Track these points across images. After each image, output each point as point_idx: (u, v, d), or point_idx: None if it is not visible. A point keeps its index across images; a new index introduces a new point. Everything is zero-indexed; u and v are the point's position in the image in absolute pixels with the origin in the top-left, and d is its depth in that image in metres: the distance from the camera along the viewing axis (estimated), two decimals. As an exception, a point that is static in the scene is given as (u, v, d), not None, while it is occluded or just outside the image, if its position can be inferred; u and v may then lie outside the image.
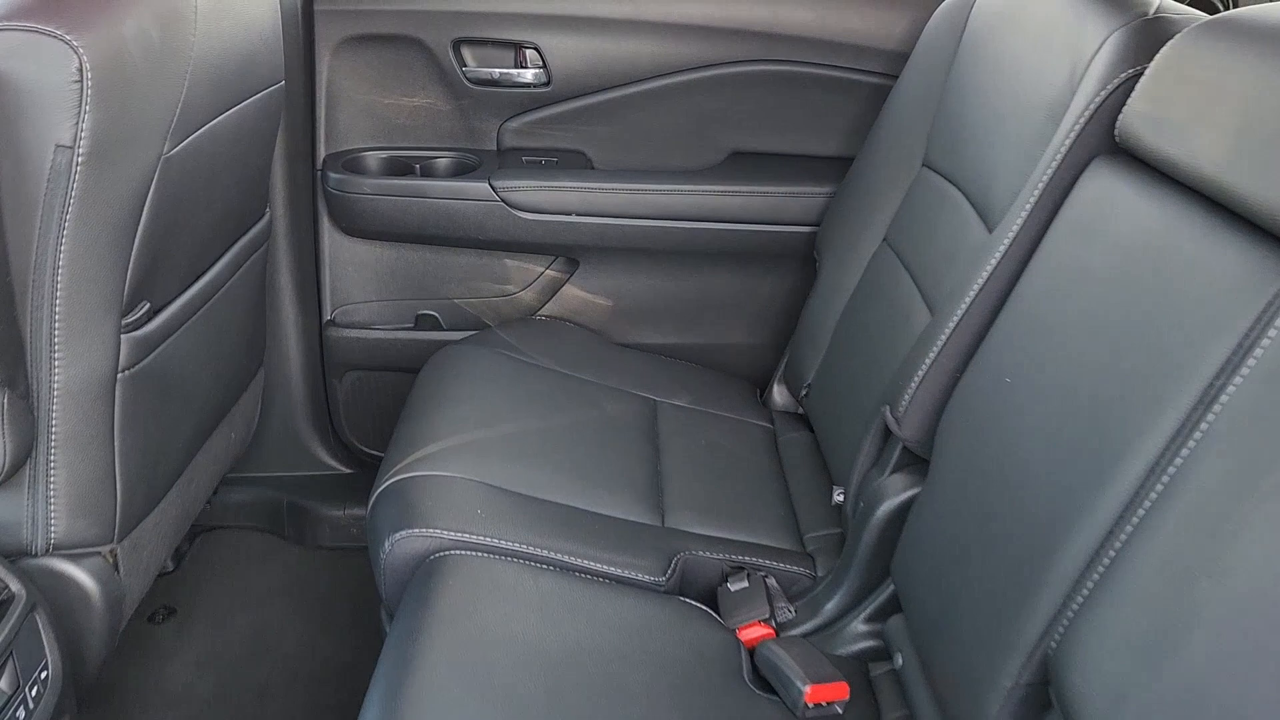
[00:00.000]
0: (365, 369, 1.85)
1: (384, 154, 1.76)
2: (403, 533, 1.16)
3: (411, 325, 1.85)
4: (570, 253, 1.77)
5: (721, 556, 1.23)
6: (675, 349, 1.80)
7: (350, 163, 1.74)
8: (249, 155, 1.37)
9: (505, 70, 1.70)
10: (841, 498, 1.30)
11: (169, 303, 1.23)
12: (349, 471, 1.87)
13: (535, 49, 1.69)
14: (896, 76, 1.61)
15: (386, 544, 1.17)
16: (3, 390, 1.04)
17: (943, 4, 1.51)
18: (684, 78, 1.70)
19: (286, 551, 1.82)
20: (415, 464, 1.28)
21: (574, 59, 1.69)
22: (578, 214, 1.70)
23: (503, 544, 1.17)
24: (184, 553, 1.77)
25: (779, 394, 1.68)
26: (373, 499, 1.27)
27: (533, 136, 1.77)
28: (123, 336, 1.13)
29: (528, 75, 1.70)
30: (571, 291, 1.80)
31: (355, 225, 1.74)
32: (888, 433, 1.20)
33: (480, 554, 1.15)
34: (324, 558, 1.81)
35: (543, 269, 1.82)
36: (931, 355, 1.11)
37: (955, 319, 1.10)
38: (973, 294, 1.08)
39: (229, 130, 1.26)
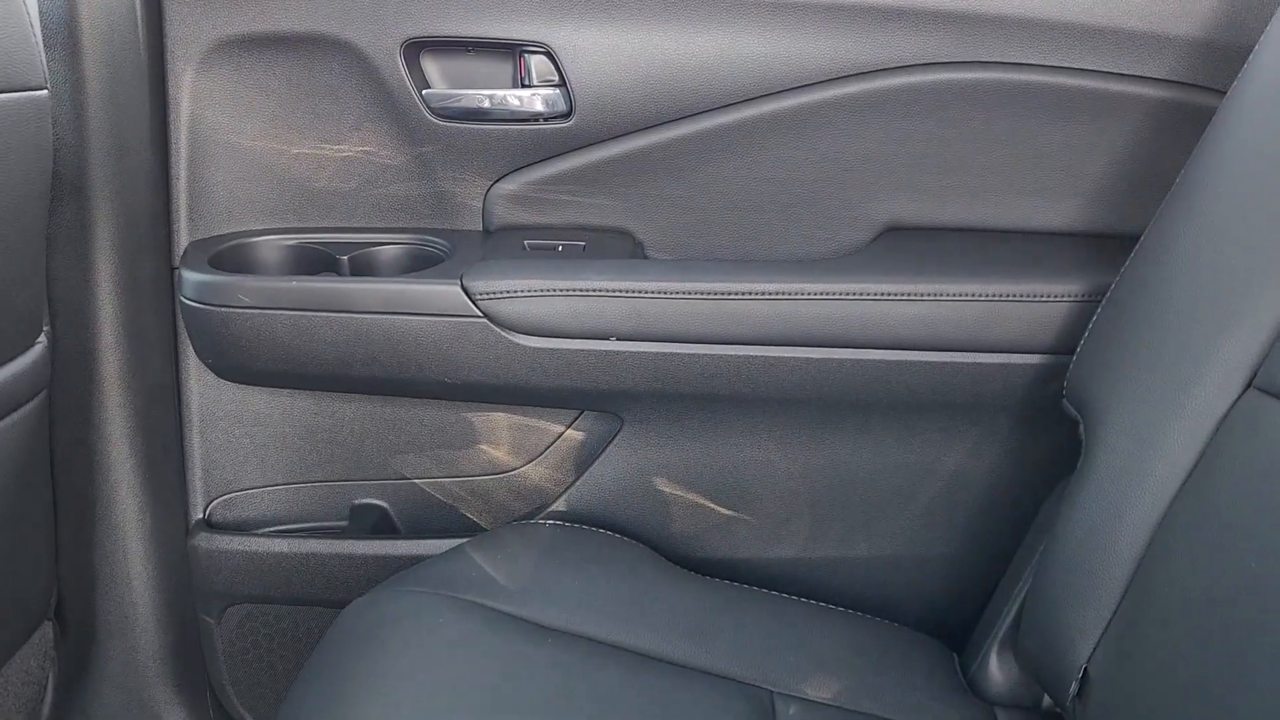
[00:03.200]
0: (260, 601, 1.09)
1: (288, 240, 1.04)
2: None
3: (343, 524, 1.10)
4: (608, 404, 1.02)
5: None
6: (798, 575, 1.02)
7: (227, 256, 1.01)
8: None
9: (498, 92, 0.99)
10: None
11: None
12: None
13: (548, 54, 0.97)
14: (1211, 86, 0.88)
15: None
16: None
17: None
18: (805, 99, 0.96)
19: None
20: None
21: (613, 71, 0.96)
22: (619, 337, 0.95)
23: None
24: None
25: (1000, 669, 0.89)
26: None
27: (541, 206, 1.04)
28: None
29: (535, 100, 0.98)
30: (610, 469, 1.04)
31: (233, 363, 1.01)
32: None
33: None
34: None
35: (562, 427, 1.07)
36: None
37: None
38: None
39: None
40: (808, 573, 1.03)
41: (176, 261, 1.02)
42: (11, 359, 0.81)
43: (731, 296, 0.94)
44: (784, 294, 0.94)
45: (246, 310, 0.96)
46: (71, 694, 1.04)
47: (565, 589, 0.88)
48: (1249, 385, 0.71)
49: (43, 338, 0.85)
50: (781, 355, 0.96)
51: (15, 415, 0.83)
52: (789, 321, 0.95)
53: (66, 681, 1.01)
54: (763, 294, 0.94)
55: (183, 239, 1.03)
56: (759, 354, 0.96)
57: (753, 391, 0.97)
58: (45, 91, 0.76)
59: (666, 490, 1.03)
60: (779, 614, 0.93)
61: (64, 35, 0.88)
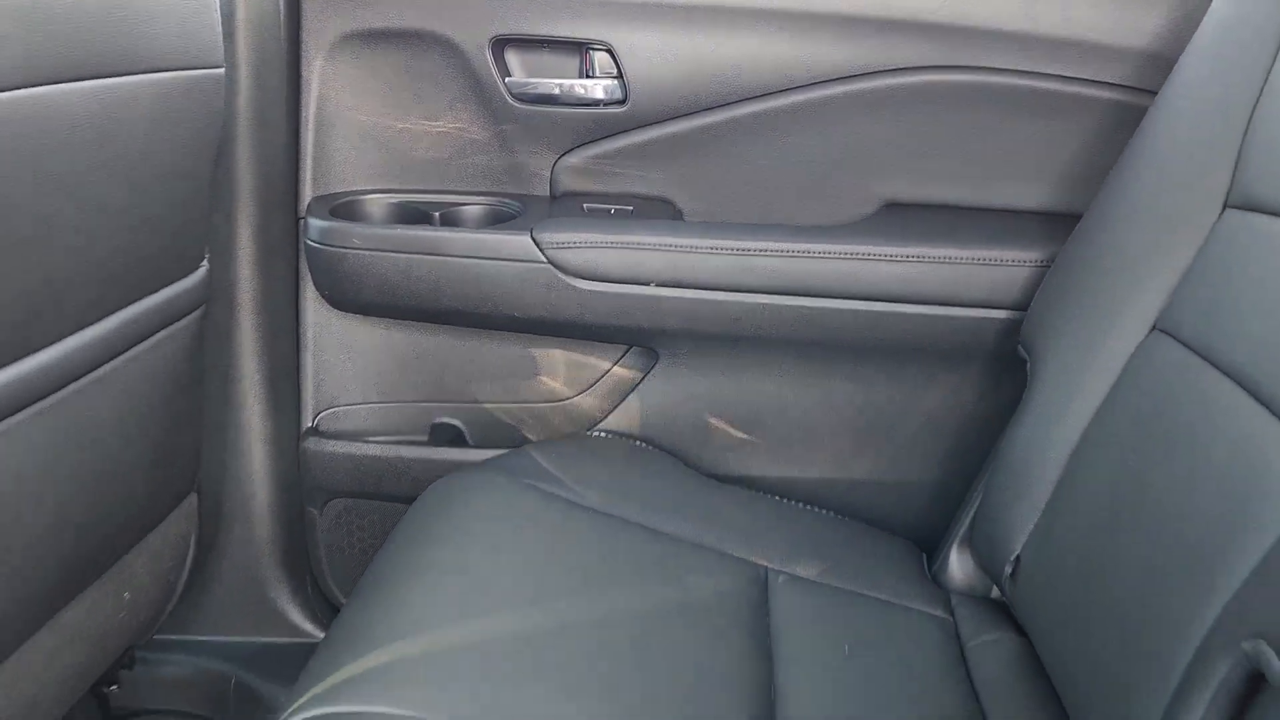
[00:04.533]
0: (357, 496, 1.32)
1: (393, 198, 1.27)
2: None
3: (424, 438, 1.32)
4: (647, 340, 1.23)
5: None
6: (799, 486, 1.22)
7: (343, 209, 1.24)
8: (137, 168, 0.87)
9: (566, 82, 1.20)
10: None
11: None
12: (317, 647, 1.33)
13: (608, 51, 1.18)
14: (1151, 90, 1.06)
15: None
16: None
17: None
18: (819, 94, 1.16)
19: (229, 753, 1.28)
20: (344, 688, 0.72)
21: (661, 66, 1.18)
22: (659, 284, 1.16)
23: None
24: (81, 749, 1.24)
25: (959, 565, 1.08)
26: None
27: (599, 177, 1.25)
28: None
29: (596, 89, 1.20)
30: (647, 397, 1.25)
31: (345, 294, 1.24)
32: (1253, 689, 0.60)
33: None
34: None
35: (608, 365, 1.28)
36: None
37: None
38: None
39: (74, 115, 0.76)
40: (805, 488, 1.23)
41: (302, 212, 1.25)
42: (181, 278, 1.03)
43: (752, 253, 1.15)
44: (795, 252, 1.14)
45: (358, 251, 1.19)
46: (203, 562, 1.27)
47: (605, 481, 1.09)
48: (1153, 329, 0.90)
49: (204, 265, 1.08)
50: (792, 304, 1.16)
51: (180, 323, 1.05)
52: (799, 276, 1.15)
53: (201, 552, 1.24)
54: (778, 252, 1.15)
55: (307, 194, 1.26)
56: (774, 302, 1.16)
57: (768, 334, 1.18)
58: (222, 70, 0.99)
59: (693, 414, 1.24)
60: (779, 512, 1.13)
61: (227, 25, 1.11)
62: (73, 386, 0.85)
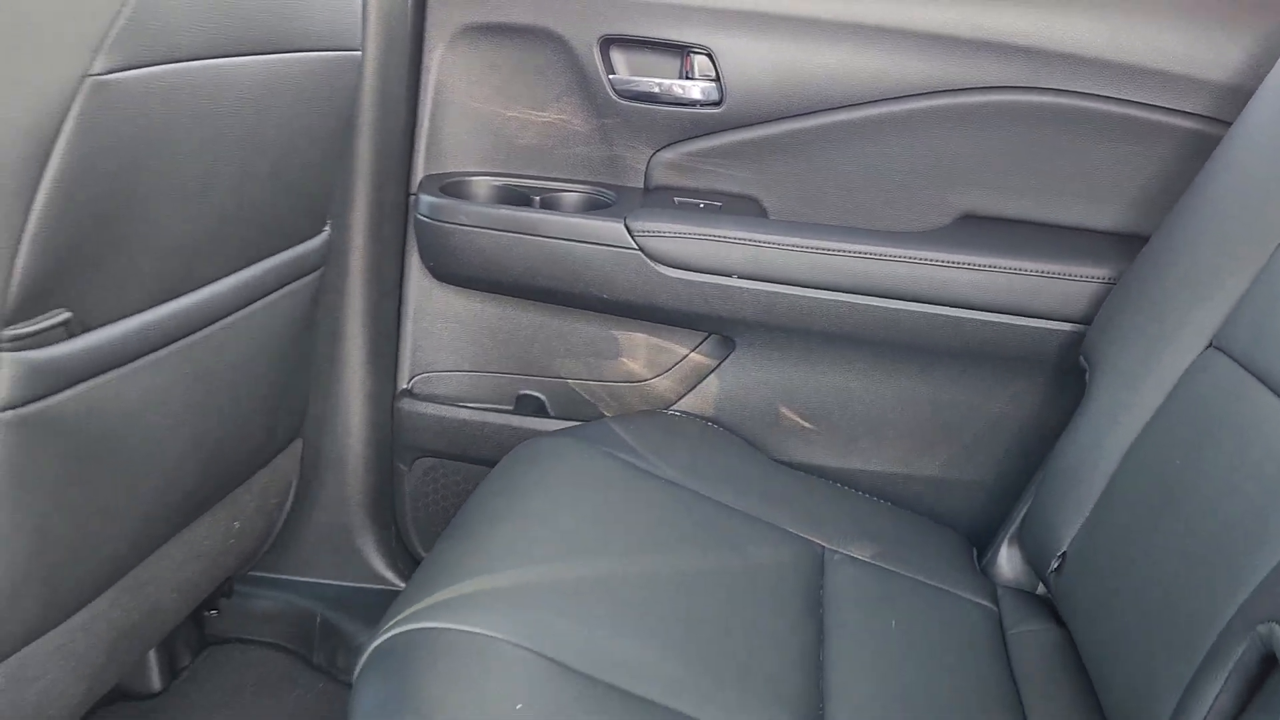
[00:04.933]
0: (443, 456, 1.42)
1: (497, 181, 1.36)
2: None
3: (509, 408, 1.41)
4: (725, 328, 1.31)
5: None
6: (860, 477, 1.29)
7: (452, 187, 1.34)
8: (282, 137, 0.97)
9: (666, 81, 1.28)
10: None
11: (113, 321, 0.82)
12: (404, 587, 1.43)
13: (708, 55, 1.26)
14: (1228, 121, 1.10)
15: None
16: None
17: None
18: (907, 106, 1.23)
19: (312, 682, 1.38)
20: (438, 608, 0.81)
21: (757, 72, 1.25)
22: (740, 275, 1.24)
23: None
24: (181, 669, 1.35)
25: (1008, 560, 1.14)
26: (363, 657, 0.81)
27: (691, 173, 1.33)
28: (6, 356, 0.72)
29: (695, 90, 1.27)
30: (721, 382, 1.33)
31: (449, 266, 1.34)
32: (1267, 669, 0.66)
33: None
34: (353, 701, 1.35)
35: (686, 350, 1.36)
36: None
37: None
38: None
39: (241, 85, 0.86)
40: (865, 480, 1.29)
41: (413, 189, 1.35)
42: (306, 240, 1.14)
43: (832, 252, 1.21)
44: (874, 254, 1.21)
45: (463, 228, 1.29)
46: (299, 506, 1.37)
47: (677, 455, 1.16)
48: (1209, 346, 0.95)
49: (326, 231, 1.18)
50: (868, 304, 1.22)
51: (301, 281, 1.16)
52: (876, 277, 1.21)
53: (298, 496, 1.35)
54: (857, 253, 1.21)
55: (419, 172, 1.35)
56: (850, 300, 1.22)
57: (841, 330, 1.24)
58: (360, 53, 1.08)
59: (763, 401, 1.31)
60: (838, 497, 1.20)
61: (361, 12, 1.21)
62: (211, 328, 0.96)
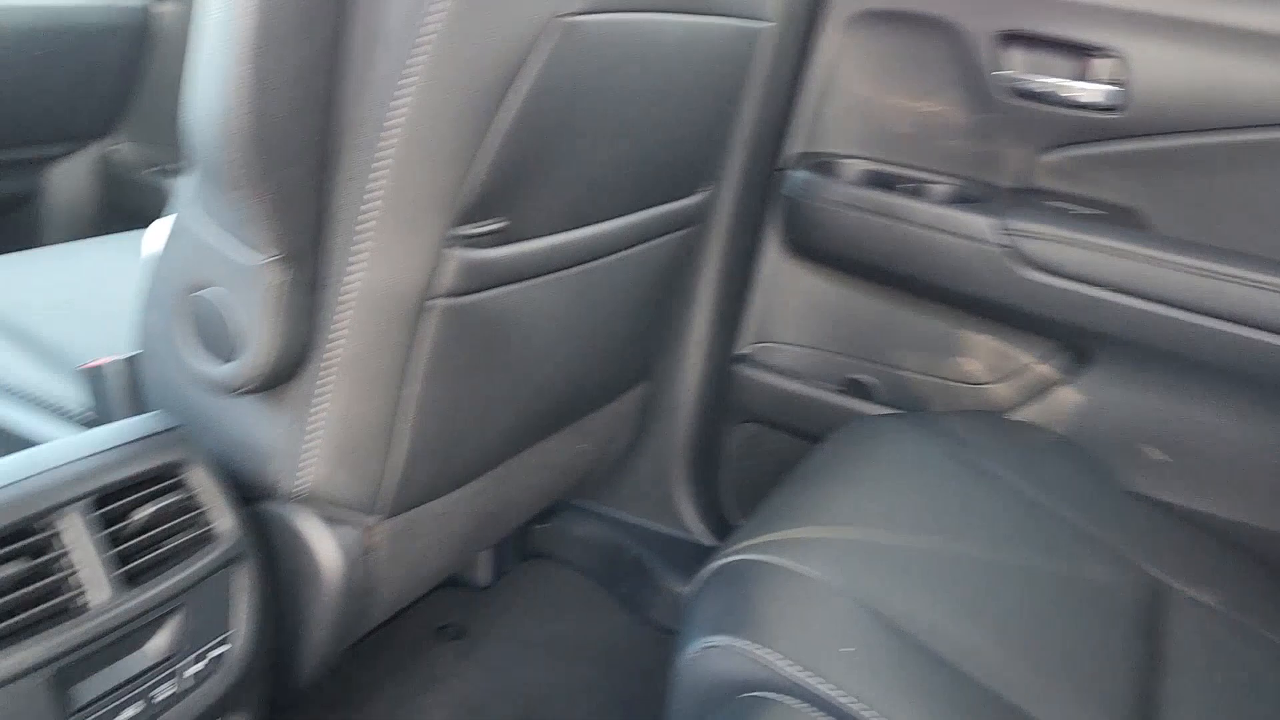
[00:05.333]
0: (768, 424, 1.47)
1: (867, 165, 1.38)
2: (717, 640, 0.74)
3: (838, 387, 1.43)
4: (1085, 341, 1.25)
5: None
6: (1212, 523, 1.20)
7: (821, 166, 1.37)
8: (689, 93, 1.04)
9: (1061, 82, 1.25)
10: None
11: (535, 237, 0.92)
12: (709, 545, 1.49)
13: (1119, 59, 1.21)
14: None
15: (691, 648, 0.75)
16: (287, 268, 0.78)
17: None
18: (1336, 131, 1.12)
19: (612, 613, 1.48)
20: (776, 545, 0.85)
21: (1172, 81, 1.18)
22: (1112, 289, 1.18)
23: (868, 717, 0.70)
24: (505, 570, 1.49)
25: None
26: (701, 574, 0.86)
27: (1070, 178, 1.28)
28: (454, 251, 0.83)
29: (1092, 94, 1.23)
30: (1069, 396, 1.28)
31: (808, 242, 1.37)
32: None
33: (825, 716, 0.69)
34: (650, 639, 1.43)
35: (1031, 360, 1.32)
36: None
37: None
38: None
39: (668, 41, 0.94)
40: (1219, 528, 1.19)
41: (781, 164, 1.40)
42: (686, 196, 1.21)
43: (1224, 278, 1.13)
44: (1269, 285, 1.11)
45: (829, 206, 1.32)
46: (633, 446, 1.46)
47: (1013, 458, 1.13)
48: None
49: (705, 190, 1.25)
50: (1258, 339, 1.13)
51: (675, 235, 1.23)
52: (1268, 310, 1.12)
53: (634, 433, 1.44)
54: (1255, 282, 1.12)
55: (791, 148, 1.40)
56: (1235, 332, 1.14)
57: (1220, 362, 1.16)
58: (773, 23, 1.13)
59: (1112, 423, 1.25)
60: (1189, 537, 1.12)
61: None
62: (602, 260, 1.05)
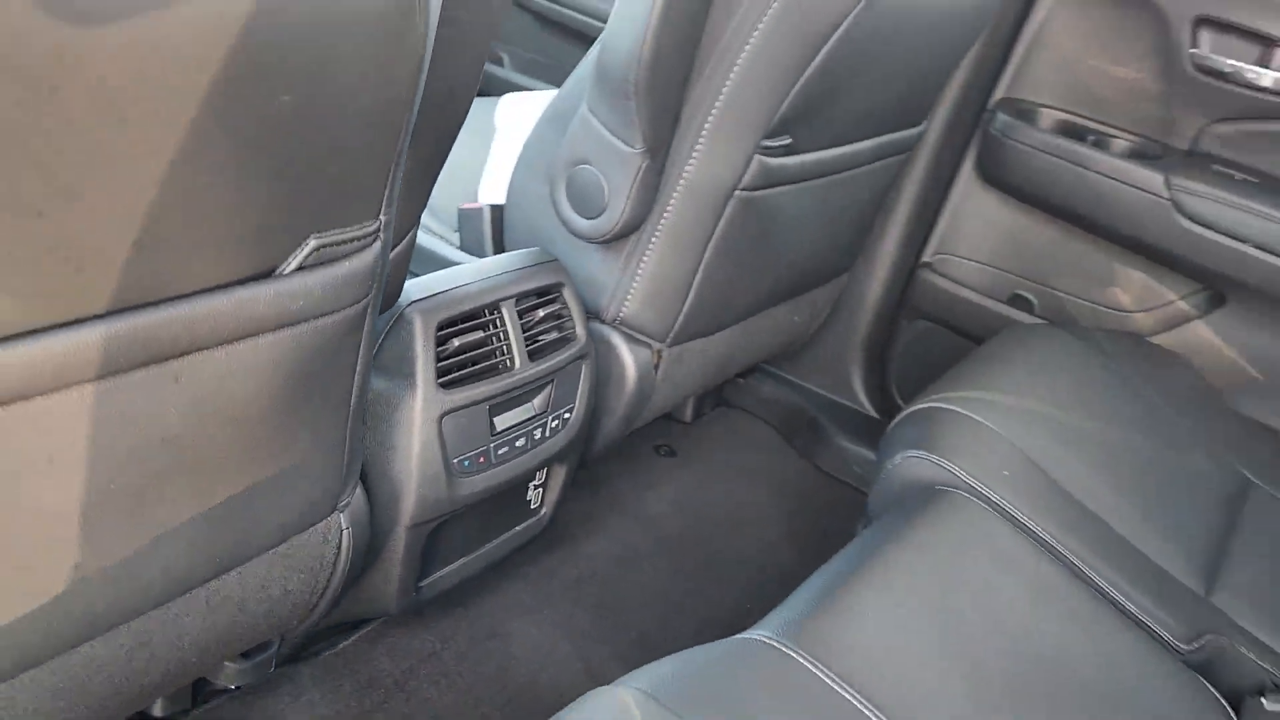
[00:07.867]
0: (939, 323, 1.76)
1: (1062, 116, 1.63)
2: (916, 453, 1.07)
3: (1004, 299, 1.72)
4: (1224, 286, 1.51)
5: (1272, 669, 0.97)
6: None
7: (1023, 113, 1.63)
8: (941, 45, 1.32)
9: (1242, 65, 1.47)
10: None
11: (803, 153, 1.24)
12: (875, 417, 1.81)
13: (1299, 49, 1.43)
14: None
15: (895, 458, 1.09)
16: (646, 158, 1.11)
17: None
18: None
19: (787, 458, 1.82)
20: (959, 400, 1.17)
21: (1337, 76, 1.40)
22: (1257, 246, 1.43)
23: (1019, 516, 1.03)
24: (703, 413, 1.85)
25: None
26: (900, 416, 1.19)
27: (1237, 147, 1.52)
28: (757, 157, 1.15)
29: (1266, 79, 1.45)
30: (1199, 331, 1.54)
31: (1000, 175, 1.64)
32: None
33: (990, 509, 1.02)
34: (818, 480, 1.78)
35: (1175, 297, 1.57)
36: None
37: None
38: None
39: (914, 18, 1.21)
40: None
41: (989, 105, 1.66)
42: (916, 125, 1.49)
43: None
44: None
45: (1024, 147, 1.58)
46: (821, 325, 1.78)
47: (1150, 374, 1.41)
48: None
49: (924, 124, 1.53)
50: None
51: (894, 159, 1.51)
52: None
53: (828, 314, 1.75)
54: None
55: (999, 93, 1.66)
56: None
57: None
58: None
59: (1237, 354, 1.51)
60: (1267, 443, 1.39)
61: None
62: (840, 175, 1.35)
